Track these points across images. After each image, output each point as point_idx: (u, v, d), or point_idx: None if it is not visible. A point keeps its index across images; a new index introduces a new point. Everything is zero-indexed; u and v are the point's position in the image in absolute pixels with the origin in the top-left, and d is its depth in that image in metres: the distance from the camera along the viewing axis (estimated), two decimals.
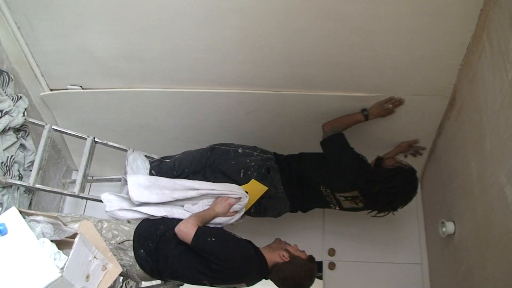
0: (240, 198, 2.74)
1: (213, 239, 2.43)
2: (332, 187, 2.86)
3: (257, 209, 2.97)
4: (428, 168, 3.57)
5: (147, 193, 2.67)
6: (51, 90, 3.14)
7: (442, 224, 3.03)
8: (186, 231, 2.40)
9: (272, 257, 2.56)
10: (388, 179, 2.76)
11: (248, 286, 2.60)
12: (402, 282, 3.65)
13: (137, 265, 2.48)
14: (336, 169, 2.86)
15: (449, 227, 2.94)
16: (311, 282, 2.58)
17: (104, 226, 2.49)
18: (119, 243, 2.47)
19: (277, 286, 2.60)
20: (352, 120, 3.02)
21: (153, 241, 2.49)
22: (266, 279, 2.61)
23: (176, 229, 2.43)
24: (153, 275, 2.55)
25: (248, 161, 2.91)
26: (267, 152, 3.02)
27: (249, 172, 2.87)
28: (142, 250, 2.48)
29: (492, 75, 2.30)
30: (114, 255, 2.37)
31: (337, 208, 2.97)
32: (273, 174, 2.91)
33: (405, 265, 3.68)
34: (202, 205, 2.74)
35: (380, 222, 3.64)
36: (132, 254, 2.46)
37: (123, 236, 2.50)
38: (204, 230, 2.48)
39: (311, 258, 2.61)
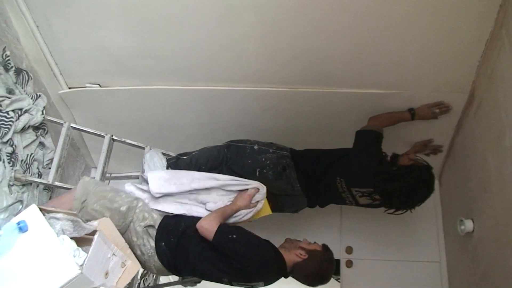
0: (258, 189, 2.75)
1: (235, 236, 2.44)
2: (348, 179, 2.85)
3: (274, 206, 2.97)
4: (446, 166, 3.55)
5: (166, 185, 2.69)
6: (69, 88, 3.17)
7: (460, 222, 3.00)
8: (208, 228, 2.42)
9: (291, 257, 2.57)
10: (402, 178, 2.73)
11: (265, 285, 2.61)
12: (420, 280, 3.63)
13: (156, 256, 2.49)
14: (356, 163, 2.85)
15: (468, 225, 2.92)
16: (333, 268, 2.64)
17: (139, 205, 2.53)
18: (145, 227, 2.49)
19: (302, 283, 2.62)
20: (397, 118, 3.02)
21: (175, 236, 2.51)
22: (285, 277, 2.62)
23: (198, 225, 2.45)
24: (170, 270, 2.56)
25: (263, 159, 2.90)
26: (283, 149, 3.01)
27: (264, 171, 2.87)
28: (163, 243, 2.49)
29: (511, 71, 2.28)
30: (142, 237, 2.42)
31: (353, 204, 2.96)
32: (289, 172, 2.91)
33: (423, 263, 3.65)
34: (221, 203, 2.73)
35: (398, 220, 3.61)
36: (154, 244, 2.48)
37: (151, 221, 2.52)
38: (226, 227, 2.49)
39: (325, 246, 2.64)
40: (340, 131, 3.18)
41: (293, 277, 2.61)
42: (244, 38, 2.67)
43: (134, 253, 2.45)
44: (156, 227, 2.52)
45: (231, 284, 2.57)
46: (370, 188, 2.80)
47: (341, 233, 3.81)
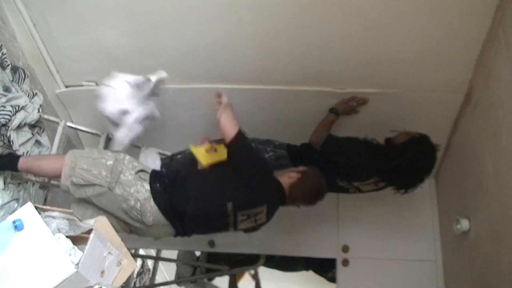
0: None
1: (247, 145, 2.56)
2: (349, 178, 2.87)
3: None
4: (443, 165, 3.55)
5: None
6: (66, 86, 3.16)
7: (457, 221, 3.01)
8: (231, 127, 2.49)
9: (285, 181, 2.59)
10: (402, 152, 2.74)
11: (268, 213, 2.57)
12: (416, 279, 3.63)
13: (152, 199, 2.43)
14: (348, 163, 2.86)
15: (464, 224, 2.93)
16: (325, 182, 2.65)
17: (126, 157, 2.50)
18: (136, 173, 2.47)
19: (302, 204, 2.65)
20: (328, 122, 3.03)
21: (169, 177, 2.52)
22: (284, 204, 2.63)
23: (222, 121, 2.51)
24: (168, 216, 2.47)
25: None
26: (281, 146, 3.01)
27: None
28: (157, 184, 2.47)
29: (508, 71, 2.28)
30: (135, 184, 2.40)
31: (357, 192, 2.97)
32: None
33: (419, 262, 3.65)
34: None
35: (394, 219, 3.64)
36: (148, 187, 2.44)
37: (141, 167, 2.53)
38: (243, 134, 2.53)
39: (308, 167, 2.68)
40: (338, 130, 3.18)
41: (292, 203, 2.63)
42: (242, 37, 2.68)
43: (129, 205, 2.39)
44: (149, 172, 2.53)
45: (235, 224, 2.52)
46: (373, 178, 2.82)
47: (337, 231, 3.81)
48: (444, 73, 2.79)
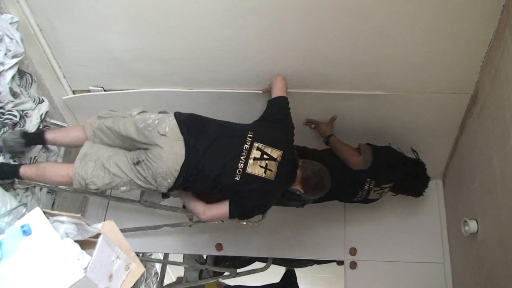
0: None
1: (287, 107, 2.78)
2: (378, 180, 2.98)
3: (280, 202, 2.95)
4: (450, 166, 3.54)
5: None
6: (73, 91, 3.17)
7: (464, 222, 2.99)
8: (284, 90, 2.80)
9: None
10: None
11: (280, 164, 2.55)
12: (425, 281, 3.61)
13: (171, 116, 2.55)
14: (385, 165, 3.01)
15: (472, 226, 2.91)
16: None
17: (152, 114, 2.59)
18: (159, 112, 2.62)
19: (309, 189, 2.67)
20: (340, 141, 3.09)
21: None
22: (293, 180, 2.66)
23: (280, 79, 2.81)
24: (182, 127, 2.49)
25: None
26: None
27: None
28: (180, 112, 2.62)
29: None
30: (156, 115, 2.55)
31: (361, 199, 3.09)
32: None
33: (428, 264, 3.64)
34: None
35: (402, 221, 3.62)
36: (161, 114, 2.57)
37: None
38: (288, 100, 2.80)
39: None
40: (345, 132, 3.18)
41: (302, 183, 2.68)
42: (248, 40, 2.68)
43: (146, 123, 2.49)
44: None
45: (248, 156, 2.48)
46: (392, 182, 3.03)
47: (345, 234, 3.80)
48: (450, 74, 2.78)
